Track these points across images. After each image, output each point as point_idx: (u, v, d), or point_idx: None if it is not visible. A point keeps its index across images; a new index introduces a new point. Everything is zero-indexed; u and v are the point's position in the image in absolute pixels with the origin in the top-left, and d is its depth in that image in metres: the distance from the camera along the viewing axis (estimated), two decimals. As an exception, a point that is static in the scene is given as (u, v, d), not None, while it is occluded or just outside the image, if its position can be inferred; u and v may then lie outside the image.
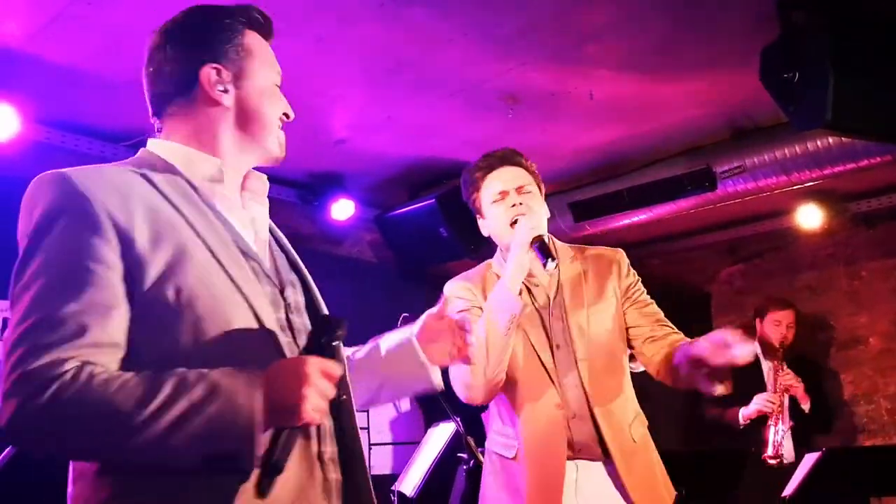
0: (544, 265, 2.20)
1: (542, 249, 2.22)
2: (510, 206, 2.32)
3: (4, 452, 2.15)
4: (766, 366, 4.40)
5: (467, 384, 2.19)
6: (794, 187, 4.18)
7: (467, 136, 4.34)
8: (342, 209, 4.79)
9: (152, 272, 1.21)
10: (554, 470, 2.14)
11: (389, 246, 5.31)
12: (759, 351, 4.40)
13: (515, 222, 2.29)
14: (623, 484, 2.16)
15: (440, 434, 3.69)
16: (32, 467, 2.15)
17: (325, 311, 1.45)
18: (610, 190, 4.68)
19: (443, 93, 3.80)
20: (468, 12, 3.11)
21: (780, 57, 2.95)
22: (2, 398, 1.13)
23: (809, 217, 5.10)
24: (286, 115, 1.51)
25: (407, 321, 1.96)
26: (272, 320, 1.30)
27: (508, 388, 2.26)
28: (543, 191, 2.46)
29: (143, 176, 1.33)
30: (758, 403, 4.15)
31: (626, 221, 4.85)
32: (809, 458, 3.41)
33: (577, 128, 4.25)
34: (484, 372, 2.15)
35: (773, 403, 4.12)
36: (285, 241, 1.53)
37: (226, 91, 1.43)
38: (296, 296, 1.41)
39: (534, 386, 2.23)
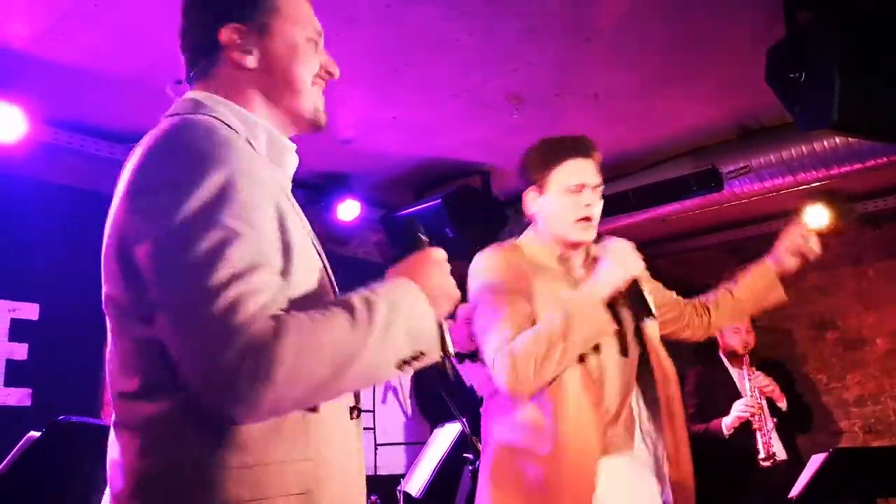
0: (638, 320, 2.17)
1: (640, 302, 2.14)
2: (584, 205, 2.21)
3: (10, 455, 2.17)
4: (736, 373, 4.38)
5: (517, 377, 2.06)
6: (801, 188, 4.17)
7: (473, 137, 4.35)
8: (348, 209, 4.80)
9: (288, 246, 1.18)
10: (590, 470, 2.07)
11: (395, 246, 5.31)
12: (725, 361, 4.39)
13: (584, 219, 2.20)
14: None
15: (446, 434, 3.70)
16: (37, 468, 2.16)
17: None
18: (616, 190, 4.67)
19: (448, 93, 3.81)
20: (473, 13, 3.12)
21: (786, 57, 2.95)
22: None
23: (816, 217, 5.08)
24: (328, 72, 1.41)
25: None
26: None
27: (555, 383, 2.13)
28: None
29: (248, 141, 1.27)
30: (737, 410, 4.11)
31: (632, 221, 4.85)
32: (816, 459, 3.40)
33: (582, 128, 4.19)
34: (538, 372, 2.05)
35: (752, 407, 4.10)
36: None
37: (249, 52, 1.34)
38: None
39: (581, 384, 2.13)
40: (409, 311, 1.18)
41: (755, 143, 4.12)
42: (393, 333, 1.14)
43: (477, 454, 3.44)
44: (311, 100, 1.37)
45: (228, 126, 1.25)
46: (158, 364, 1.13)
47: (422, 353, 1.19)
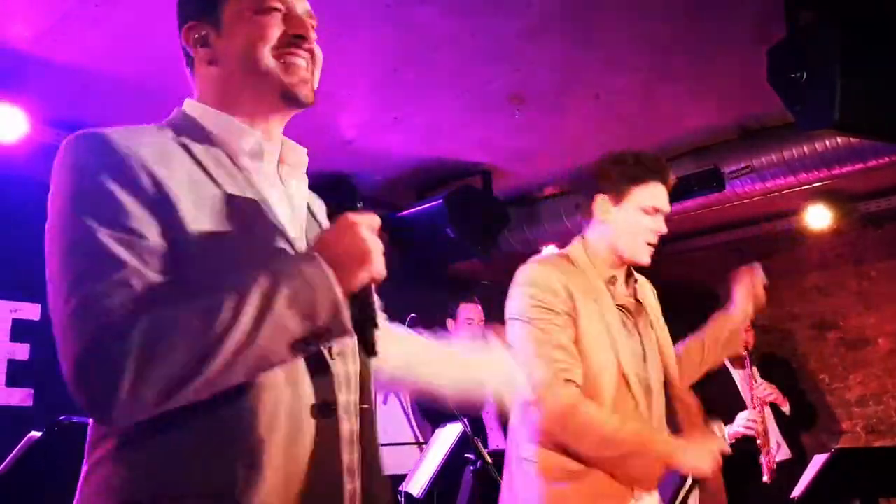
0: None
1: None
2: (654, 230, 2.26)
3: (10, 455, 2.17)
4: (738, 375, 4.35)
5: (563, 429, 2.11)
6: (802, 187, 4.16)
7: (474, 137, 4.35)
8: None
9: (191, 240, 1.13)
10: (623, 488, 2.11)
11: (397, 246, 5.32)
12: (727, 362, 4.35)
13: (651, 244, 2.27)
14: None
15: (447, 435, 3.69)
16: (38, 468, 2.16)
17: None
18: (617, 190, 4.67)
19: (450, 94, 3.81)
20: (474, 14, 3.12)
21: (788, 57, 2.95)
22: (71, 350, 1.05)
23: (818, 217, 5.08)
24: (295, 36, 1.29)
25: (414, 322, 1.95)
26: None
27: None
28: None
29: (184, 146, 1.23)
30: (739, 425, 4.07)
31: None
32: (818, 459, 3.40)
33: (583, 128, 4.25)
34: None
35: (756, 423, 4.05)
36: (323, 217, 1.40)
37: (208, 46, 1.30)
38: None
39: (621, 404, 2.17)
40: (297, 287, 1.07)
41: (756, 143, 4.11)
42: (276, 313, 1.05)
43: (478, 455, 3.44)
44: (276, 74, 1.27)
45: (190, 131, 1.25)
46: None
47: (324, 330, 1.08)
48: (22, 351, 3.95)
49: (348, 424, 1.22)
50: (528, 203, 5.25)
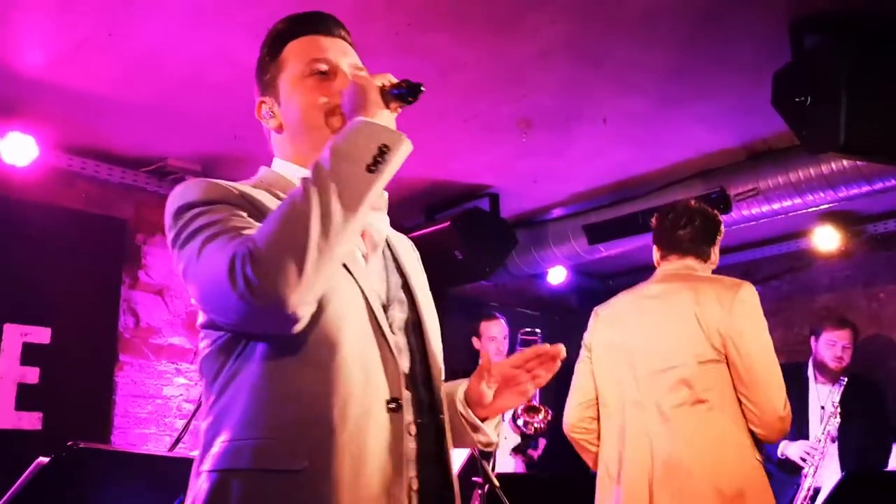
0: None
1: None
2: None
3: (18, 481, 2.17)
4: (816, 392, 4.24)
5: None
6: (810, 209, 4.16)
7: (482, 160, 4.38)
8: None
9: None
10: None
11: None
12: (811, 373, 4.28)
13: None
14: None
15: (454, 457, 3.68)
16: (46, 494, 2.16)
17: (431, 333, 1.47)
18: (624, 212, 4.68)
19: (458, 118, 3.84)
20: (482, 39, 3.15)
21: (793, 81, 2.96)
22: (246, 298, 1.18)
23: (826, 239, 5.07)
24: (327, 99, 1.44)
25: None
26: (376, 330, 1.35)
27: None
28: None
29: (269, 190, 1.41)
30: (799, 452, 3.94)
31: (642, 243, 4.85)
32: (831, 481, 3.36)
33: (590, 152, 4.27)
34: None
35: (814, 459, 3.87)
36: (404, 257, 1.54)
37: (272, 117, 1.51)
38: (400, 314, 1.44)
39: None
40: (341, 138, 1.27)
41: (763, 166, 4.12)
42: (340, 155, 1.24)
43: (486, 478, 3.42)
44: (328, 134, 1.40)
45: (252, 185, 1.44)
46: None
47: (384, 147, 1.26)
48: (32, 374, 3.97)
49: (415, 440, 1.34)
50: (536, 225, 5.26)
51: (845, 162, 3.69)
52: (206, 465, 1.28)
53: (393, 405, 1.30)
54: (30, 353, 3.97)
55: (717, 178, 4.31)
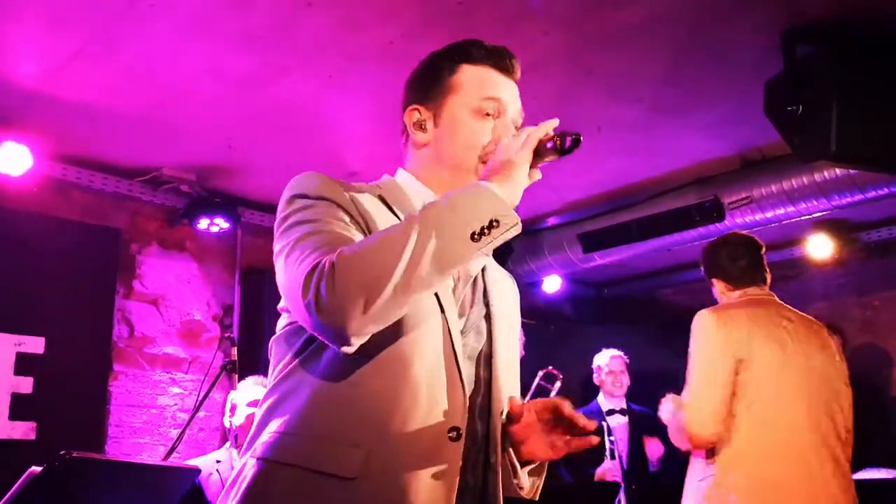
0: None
1: None
2: None
3: (10, 491, 2.16)
4: None
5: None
6: (803, 218, 4.18)
7: (476, 169, 4.38)
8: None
9: None
10: None
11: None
12: None
13: None
14: None
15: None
16: (43, 501, 2.16)
17: (501, 368, 1.44)
18: (618, 221, 4.69)
19: (451, 127, 3.85)
20: (475, 48, 3.16)
21: (784, 90, 2.98)
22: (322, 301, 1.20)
23: (820, 247, 5.09)
24: (487, 143, 1.44)
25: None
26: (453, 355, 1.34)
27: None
28: None
29: (383, 200, 1.43)
30: None
31: (636, 252, 4.86)
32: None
33: (585, 160, 4.28)
34: None
35: None
36: (496, 291, 1.51)
37: (423, 129, 1.49)
38: (475, 343, 1.41)
39: None
40: (461, 194, 1.26)
41: (757, 174, 4.13)
42: (454, 211, 1.23)
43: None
44: (474, 175, 1.41)
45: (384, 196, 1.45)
46: None
47: (494, 221, 1.23)
48: (26, 384, 3.96)
49: (468, 461, 1.32)
50: (531, 234, 5.27)
51: (838, 170, 3.71)
52: (256, 452, 1.28)
53: (453, 434, 1.28)
54: (23, 363, 3.96)
55: (711, 186, 4.32)
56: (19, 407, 3.91)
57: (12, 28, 2.98)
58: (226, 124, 3.73)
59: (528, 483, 1.49)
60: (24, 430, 3.91)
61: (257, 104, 3.58)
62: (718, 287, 2.99)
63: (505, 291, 1.57)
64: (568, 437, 1.39)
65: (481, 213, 1.23)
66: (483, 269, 1.50)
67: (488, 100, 1.46)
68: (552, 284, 5.71)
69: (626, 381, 4.53)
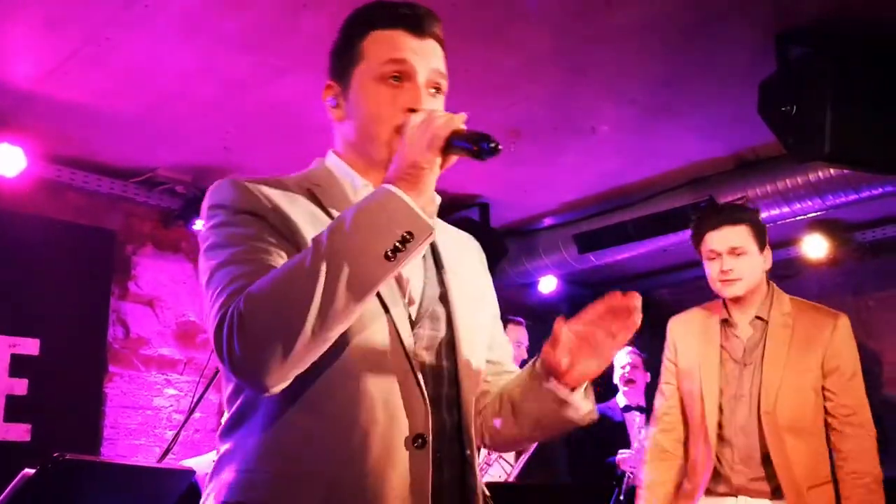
0: None
1: None
2: (718, 271, 2.57)
3: (3, 494, 2.16)
4: None
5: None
6: (798, 218, 4.19)
7: (471, 170, 4.37)
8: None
9: None
10: None
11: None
12: None
13: (720, 282, 2.57)
14: None
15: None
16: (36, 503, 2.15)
17: (464, 356, 1.33)
18: (614, 221, 4.69)
19: (447, 127, 3.85)
20: (471, 49, 3.17)
21: (778, 90, 2.99)
22: (223, 340, 1.14)
23: (815, 247, 5.10)
24: (410, 110, 1.29)
25: None
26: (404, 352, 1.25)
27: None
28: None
29: (310, 192, 1.32)
30: None
31: (632, 253, 4.87)
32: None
33: (580, 161, 4.28)
34: None
35: None
36: (452, 263, 1.41)
37: (338, 106, 1.38)
38: (431, 332, 1.32)
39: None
40: (368, 208, 1.15)
41: (752, 174, 4.14)
42: (363, 229, 1.12)
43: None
44: (388, 152, 1.28)
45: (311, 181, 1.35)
46: None
47: (408, 235, 1.13)
48: (20, 386, 3.95)
49: (440, 457, 1.25)
50: (526, 235, 5.27)
51: (832, 170, 3.72)
52: (217, 494, 1.22)
53: (419, 442, 1.21)
54: (18, 365, 3.95)
55: (706, 186, 4.33)
56: (14, 409, 3.90)
57: (7, 29, 2.97)
58: (221, 125, 3.73)
59: (586, 406, 1.34)
60: (19, 433, 3.90)
61: (253, 105, 3.58)
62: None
63: (463, 259, 1.47)
64: (611, 332, 1.28)
65: (393, 228, 1.13)
66: (433, 245, 1.39)
67: (391, 62, 1.31)
68: (548, 285, 5.71)
69: (642, 377, 4.59)
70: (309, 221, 1.26)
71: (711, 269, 2.57)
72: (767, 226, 4.35)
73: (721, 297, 2.59)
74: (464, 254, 1.49)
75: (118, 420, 4.37)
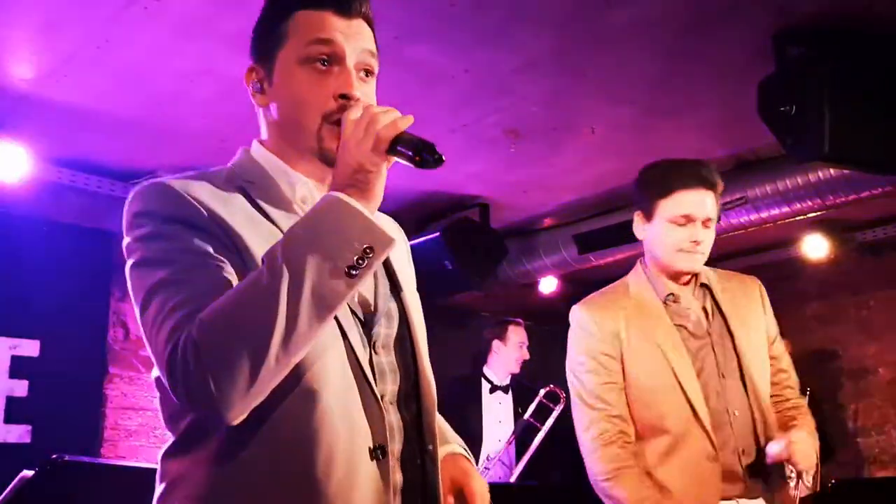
0: None
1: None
2: (686, 238, 2.18)
3: (2, 495, 2.16)
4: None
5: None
6: (798, 218, 4.19)
7: (471, 170, 4.39)
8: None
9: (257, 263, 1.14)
10: None
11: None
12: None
13: (681, 251, 2.17)
14: None
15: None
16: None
17: (421, 350, 1.32)
18: (614, 222, 4.69)
19: (446, 128, 3.85)
20: (470, 50, 3.17)
21: (777, 91, 2.99)
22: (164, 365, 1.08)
23: (815, 247, 5.10)
24: (341, 96, 1.23)
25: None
26: (358, 360, 1.21)
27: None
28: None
29: (242, 189, 1.25)
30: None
31: (631, 254, 4.86)
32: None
33: (579, 161, 4.28)
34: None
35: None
36: (394, 256, 1.36)
37: (261, 91, 1.30)
38: (387, 330, 1.28)
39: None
40: (324, 221, 1.08)
41: (751, 174, 4.14)
42: (321, 244, 1.06)
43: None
44: (316, 141, 1.23)
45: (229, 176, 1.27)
46: None
47: (368, 249, 1.07)
48: (21, 387, 3.95)
49: (399, 470, 1.23)
50: (526, 235, 5.27)
51: (832, 170, 3.72)
52: None
53: (378, 453, 1.18)
54: (18, 366, 3.96)
55: (706, 187, 4.32)
56: (14, 410, 3.91)
57: (7, 31, 2.97)
58: (220, 126, 3.73)
59: None
60: (19, 434, 3.90)
61: (253, 106, 3.57)
62: (637, 225, 2.43)
63: (400, 250, 1.42)
64: None
65: (353, 242, 1.07)
66: None
67: (316, 43, 1.23)
68: (548, 285, 5.71)
69: None
70: (248, 226, 1.19)
71: (676, 236, 2.18)
72: (767, 225, 4.39)
73: (673, 268, 2.24)
74: (399, 243, 1.42)
75: (118, 421, 4.37)
